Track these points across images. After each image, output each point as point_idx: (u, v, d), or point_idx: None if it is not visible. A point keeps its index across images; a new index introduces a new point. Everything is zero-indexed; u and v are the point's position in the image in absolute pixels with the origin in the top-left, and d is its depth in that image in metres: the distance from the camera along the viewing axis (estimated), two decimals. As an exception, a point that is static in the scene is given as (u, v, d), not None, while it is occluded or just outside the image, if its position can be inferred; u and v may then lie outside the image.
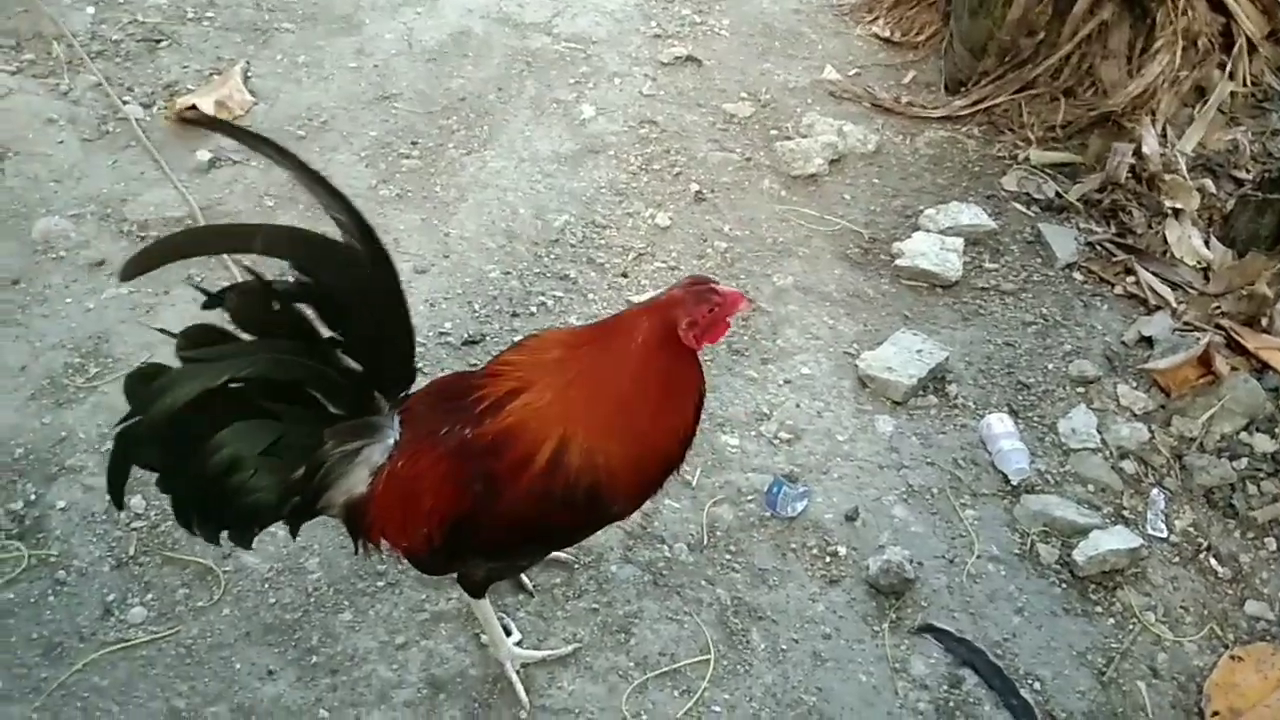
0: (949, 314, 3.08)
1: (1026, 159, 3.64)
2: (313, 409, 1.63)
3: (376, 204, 3.17)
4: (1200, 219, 3.36)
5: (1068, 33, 3.64)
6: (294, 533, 1.76)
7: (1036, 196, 3.54)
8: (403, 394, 1.72)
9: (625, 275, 3.04)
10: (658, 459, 1.70)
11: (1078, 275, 3.27)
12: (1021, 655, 2.25)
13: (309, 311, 1.58)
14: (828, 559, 2.38)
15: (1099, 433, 2.75)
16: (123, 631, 2.08)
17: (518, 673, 2.04)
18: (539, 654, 2.08)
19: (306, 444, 1.63)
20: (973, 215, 3.36)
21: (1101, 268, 3.28)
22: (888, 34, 4.16)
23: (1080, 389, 2.89)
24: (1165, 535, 2.54)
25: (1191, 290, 3.18)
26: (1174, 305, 3.12)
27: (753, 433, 2.63)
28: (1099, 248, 3.35)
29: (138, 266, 1.51)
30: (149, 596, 2.14)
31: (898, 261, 3.19)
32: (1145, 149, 3.49)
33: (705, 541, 2.37)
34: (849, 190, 3.50)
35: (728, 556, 2.35)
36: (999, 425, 2.68)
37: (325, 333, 1.60)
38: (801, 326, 2.96)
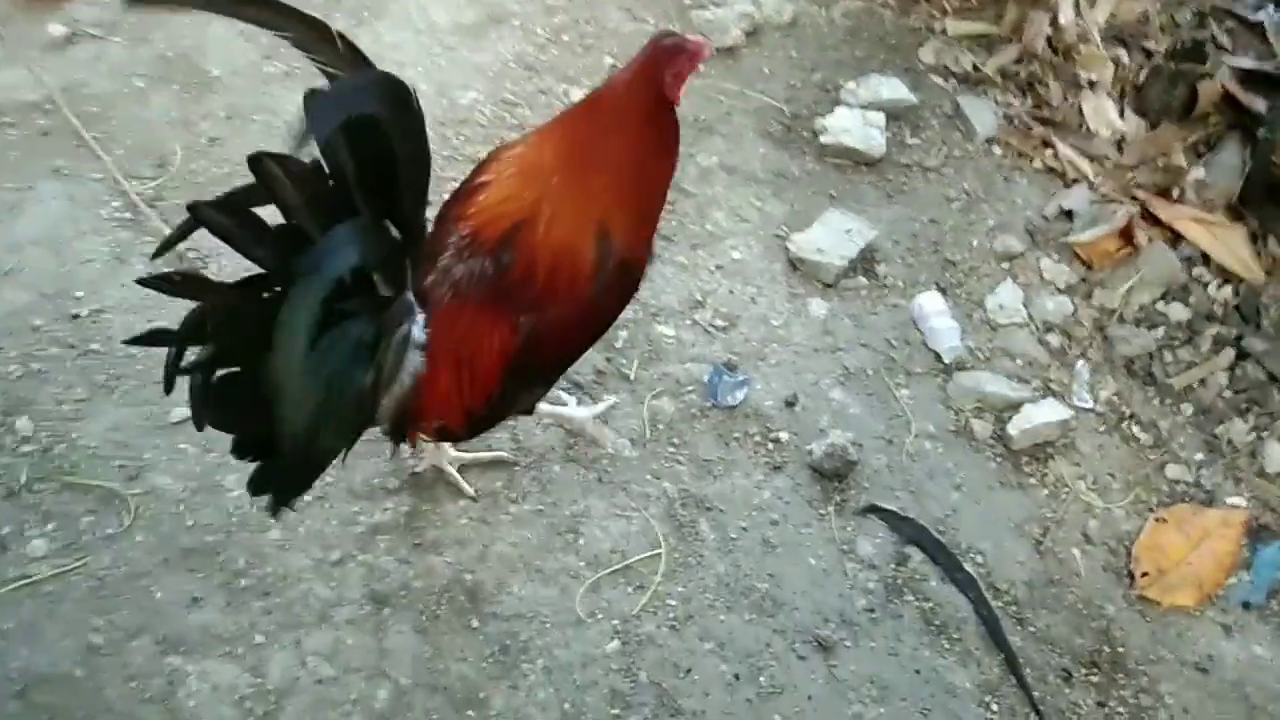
0: (874, 192, 3.02)
1: (943, 30, 3.55)
2: (368, 297, 1.46)
3: (261, 83, 2.87)
4: (1114, 91, 3.36)
5: (981, -105, 3.52)
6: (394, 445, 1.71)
7: (954, 69, 3.46)
8: (419, 253, 1.56)
9: (543, 158, 2.86)
10: (660, 208, 1.77)
11: (998, 150, 3.24)
12: (962, 530, 2.29)
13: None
14: (770, 446, 2.34)
15: (1025, 307, 2.77)
16: (23, 567, 1.90)
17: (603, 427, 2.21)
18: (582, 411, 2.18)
19: (372, 342, 1.47)
20: (893, 89, 3.28)
21: (1020, 141, 3.26)
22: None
23: (1005, 264, 2.89)
24: (1091, 405, 2.59)
25: (1107, 162, 3.19)
26: (1091, 178, 3.13)
27: (688, 321, 2.54)
28: (1017, 121, 3.32)
29: (168, 245, 1.39)
30: (49, 527, 1.95)
31: (822, 139, 3.10)
32: (1061, 19, 3.44)
33: (648, 435, 2.30)
34: (767, 63, 3.36)
35: (671, 449, 2.29)
36: (930, 304, 2.67)
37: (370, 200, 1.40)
38: (729, 209, 2.86)
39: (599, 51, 3.22)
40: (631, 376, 2.40)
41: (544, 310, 1.64)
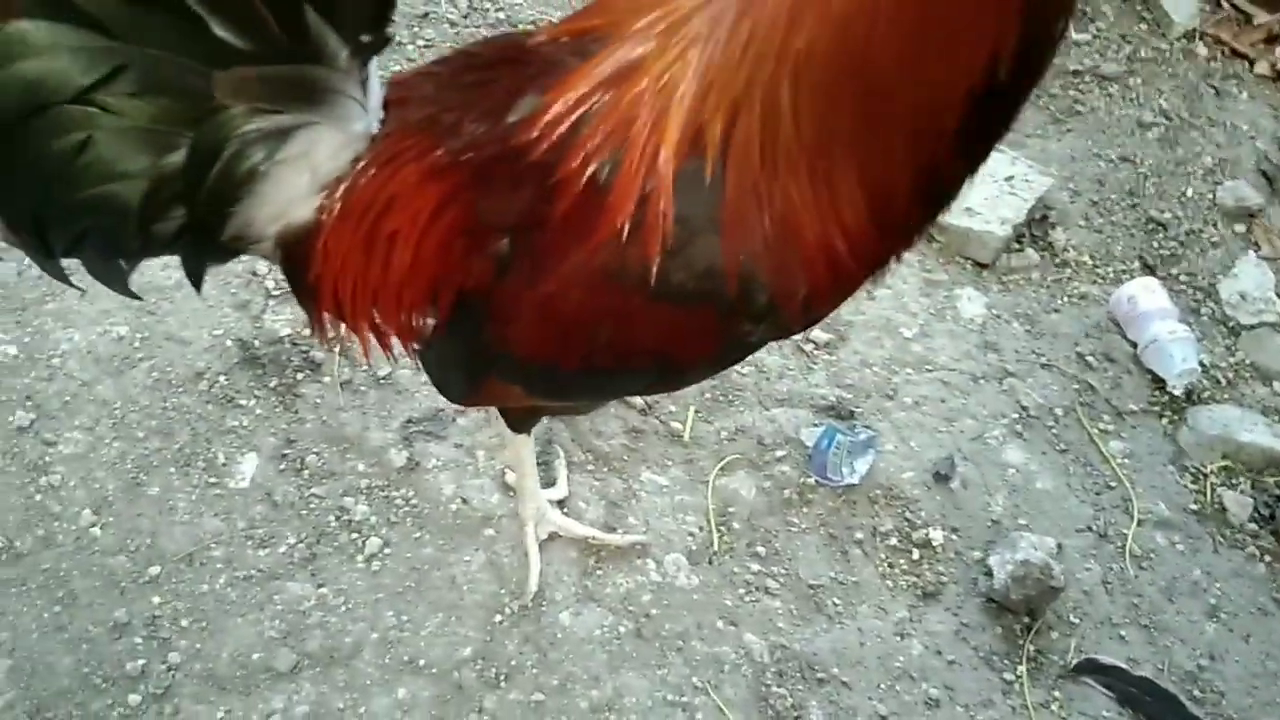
0: (1036, 114, 2.05)
1: None
2: (186, 26, 0.78)
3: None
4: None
5: None
6: (196, 282, 0.94)
7: (1133, -74, 2.43)
8: (375, 39, 0.85)
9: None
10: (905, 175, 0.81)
11: (1201, 48, 2.24)
12: (1230, 692, 1.40)
13: None
14: (916, 554, 1.45)
15: (1278, 296, 1.82)
16: None
17: (540, 540, 1.34)
18: (581, 528, 1.37)
19: (182, 89, 0.81)
20: (1049, -41, 2.26)
21: (1234, 35, 2.25)
22: None
23: (1239, 227, 1.94)
24: (1394, 456, 1.67)
25: (1368, 63, 2.19)
26: (1348, 88, 2.14)
27: (772, 335, 1.62)
28: (1227, 4, 2.30)
29: None
30: None
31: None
32: None
33: (714, 545, 1.40)
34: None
35: (753, 567, 1.40)
36: (1146, 298, 1.73)
37: None
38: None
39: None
40: (685, 435, 1.49)
41: (538, 236, 0.86)
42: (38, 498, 1.31)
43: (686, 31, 0.80)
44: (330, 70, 0.85)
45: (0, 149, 0.80)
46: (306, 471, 1.38)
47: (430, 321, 0.96)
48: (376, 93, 0.89)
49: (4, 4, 0.76)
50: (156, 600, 1.27)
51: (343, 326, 0.99)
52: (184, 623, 1.26)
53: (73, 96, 0.77)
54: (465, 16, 1.97)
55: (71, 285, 0.94)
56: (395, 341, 0.98)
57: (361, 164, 0.90)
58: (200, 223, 0.88)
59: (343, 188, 0.91)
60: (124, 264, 0.93)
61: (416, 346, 0.99)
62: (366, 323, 0.97)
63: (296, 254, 0.93)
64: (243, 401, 1.42)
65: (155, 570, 1.29)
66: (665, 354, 0.91)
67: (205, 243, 0.91)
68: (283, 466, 1.38)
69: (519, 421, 1.19)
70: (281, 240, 0.93)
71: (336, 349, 1.45)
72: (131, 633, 1.24)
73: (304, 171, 0.88)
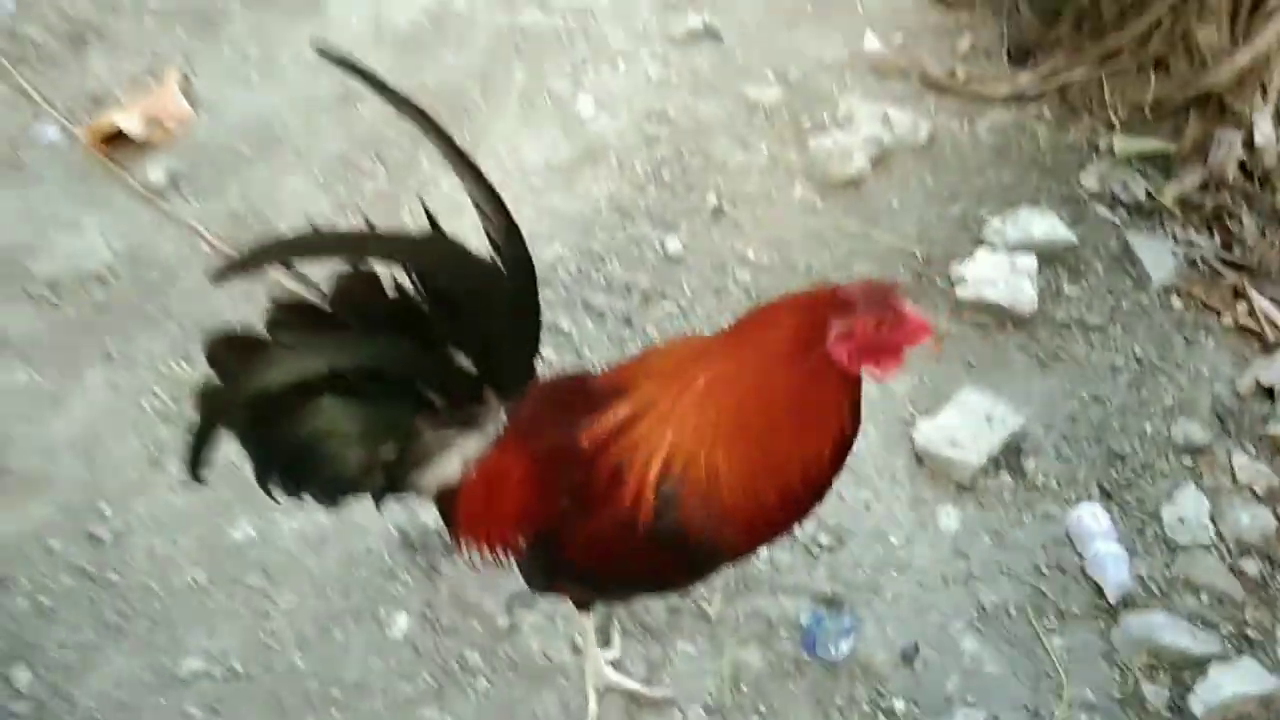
0: (1023, 359, 2.55)
1: (1110, 149, 3.05)
2: (417, 399, 1.47)
3: (335, 239, 2.66)
4: (1328, 227, 2.77)
5: (1159, -12, 3.00)
6: (379, 506, 1.55)
7: (1122, 198, 2.95)
8: (520, 394, 1.52)
9: (629, 323, 2.53)
10: (774, 495, 1.36)
11: (1176, 301, 2.71)
12: None
13: (423, 307, 1.39)
14: (881, 717, 1.91)
15: (1212, 522, 2.23)
16: None
17: (598, 690, 1.88)
18: (628, 682, 1.90)
19: (401, 425, 1.48)
20: (1047, 225, 2.80)
21: (1205, 291, 2.71)
22: (938, -10, 3.52)
23: (1187, 460, 2.36)
24: (1302, 663, 2.04)
25: (1320, 321, 2.61)
26: (1299, 342, 2.56)
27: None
28: (1201, 265, 2.77)
29: (233, 269, 1.30)
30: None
31: (959, 291, 2.65)
32: (1257, 137, 2.89)
33: (728, 701, 1.91)
34: (897, 195, 2.93)
35: (756, 720, 1.89)
36: (1092, 521, 2.18)
37: (442, 329, 1.41)
38: (843, 385, 2.44)
39: (702, 190, 2.88)
40: (712, 616, 2.02)
41: (583, 500, 1.43)
42: (262, 638, 1.94)
43: (675, 401, 1.39)
44: (487, 407, 1.47)
45: (295, 472, 1.45)
46: (439, 628, 1.96)
47: (523, 543, 1.54)
48: (502, 413, 1.51)
49: None
50: (336, 713, 1.86)
51: (471, 541, 1.58)
52: (353, 732, 1.84)
53: (343, 438, 1.42)
54: (575, 280, 2.64)
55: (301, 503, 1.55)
56: (499, 553, 1.57)
57: (491, 449, 1.52)
58: (392, 482, 1.51)
59: (477, 461, 1.52)
60: (339, 498, 1.55)
61: (515, 558, 1.57)
62: (485, 541, 1.56)
63: (445, 500, 1.55)
64: (400, 574, 2.03)
65: (336, 692, 1.88)
66: (656, 576, 1.48)
67: (391, 491, 1.53)
68: (424, 623, 1.97)
69: (580, 605, 1.75)
70: (437, 492, 1.54)
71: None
72: (318, 736, 1.83)
73: (459, 459, 1.50)
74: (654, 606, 2.01)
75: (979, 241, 2.78)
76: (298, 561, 2.04)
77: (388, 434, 1.46)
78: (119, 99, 2.91)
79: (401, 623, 1.98)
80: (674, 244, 2.71)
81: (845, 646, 1.97)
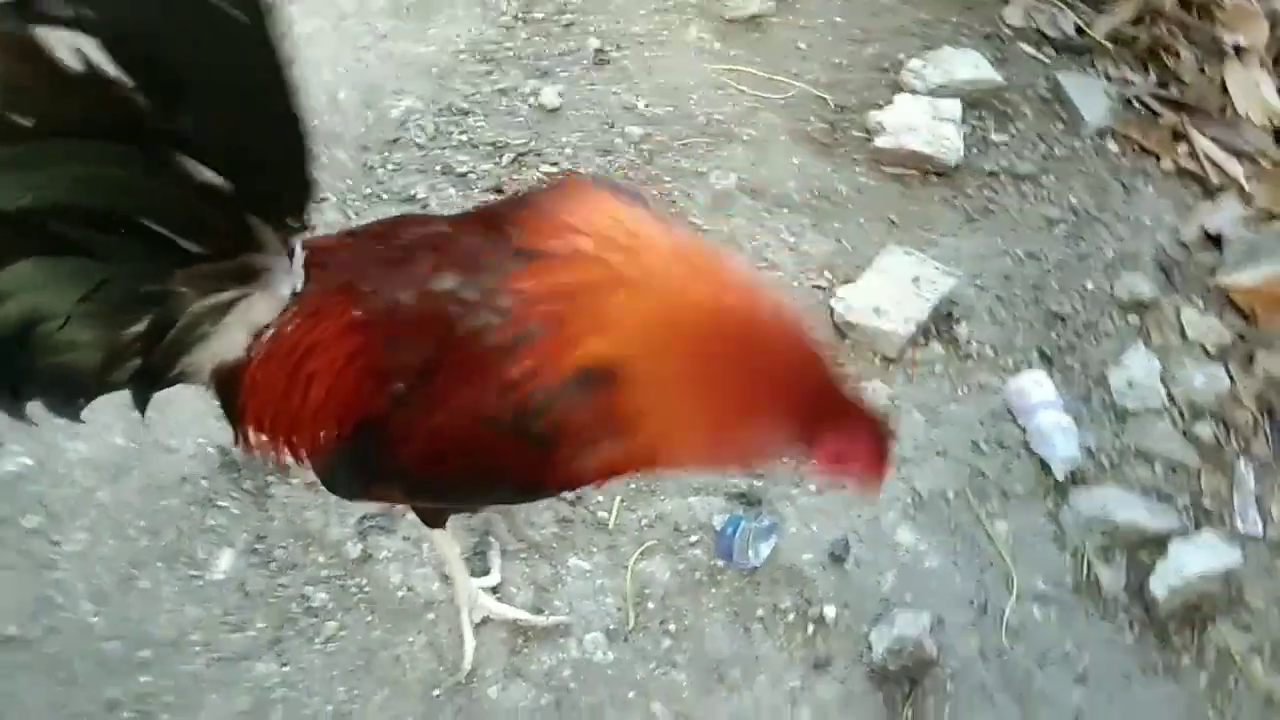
0: (949, 214, 2.26)
1: (1035, -21, 2.72)
2: (156, 243, 1.03)
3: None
4: (1269, 59, 2.52)
5: None
6: (141, 407, 1.14)
7: (1050, 34, 2.65)
8: (300, 224, 1.10)
9: (499, 190, 2.13)
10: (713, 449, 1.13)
11: (1112, 145, 2.45)
12: (1092, 753, 1.58)
13: (137, 96, 0.92)
14: (810, 628, 1.64)
15: (1164, 384, 2.01)
16: None
17: (474, 623, 1.55)
18: (511, 611, 1.58)
19: (149, 290, 1.06)
20: (971, 65, 2.48)
21: (1143, 133, 2.45)
22: None
23: (1132, 317, 2.12)
24: (1261, 532, 1.84)
25: (1264, 160, 2.38)
26: (1243, 183, 2.33)
27: (692, 431, 1.82)
28: (1138, 104, 2.51)
29: None
30: None
31: (876, 141, 2.33)
32: (1195, -40, 2.60)
33: (630, 622, 1.60)
34: (804, 36, 2.57)
35: (664, 644, 1.60)
36: (1035, 390, 1.92)
37: (164, 126, 0.95)
38: (753, 249, 2.11)
39: (582, 31, 2.46)
40: (610, 525, 1.70)
41: (431, 381, 1.09)
42: (45, 591, 1.54)
43: (610, 271, 1.02)
44: (267, 254, 1.08)
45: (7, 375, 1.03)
46: (274, 564, 1.60)
47: (333, 439, 1.17)
48: (299, 258, 1.11)
49: None
50: (145, 680, 1.48)
51: (263, 439, 1.20)
52: (168, 699, 1.47)
53: (64, 318, 1.00)
54: (432, 139, 2.21)
55: (31, 424, 1.10)
56: (303, 453, 1.20)
57: (287, 315, 1.12)
58: (149, 370, 1.10)
59: (269, 334, 1.13)
60: (81, 401, 1.13)
61: (318, 457, 1.20)
62: (282, 439, 1.18)
63: (227, 384, 1.15)
64: (221, 502, 1.64)
65: (145, 654, 1.51)
66: (519, 477, 1.13)
67: (151, 383, 1.13)
68: (254, 560, 1.60)
69: (430, 519, 1.40)
70: (215, 375, 1.15)
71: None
72: (122, 709, 1.45)
73: (242, 330, 1.11)
74: (541, 518, 1.68)
75: (897, 87, 2.45)
76: (89, 495, 1.63)
77: (128, 303, 1.04)
78: None
79: (225, 561, 1.59)
80: (550, 95, 2.30)
81: (765, 550, 1.67)
